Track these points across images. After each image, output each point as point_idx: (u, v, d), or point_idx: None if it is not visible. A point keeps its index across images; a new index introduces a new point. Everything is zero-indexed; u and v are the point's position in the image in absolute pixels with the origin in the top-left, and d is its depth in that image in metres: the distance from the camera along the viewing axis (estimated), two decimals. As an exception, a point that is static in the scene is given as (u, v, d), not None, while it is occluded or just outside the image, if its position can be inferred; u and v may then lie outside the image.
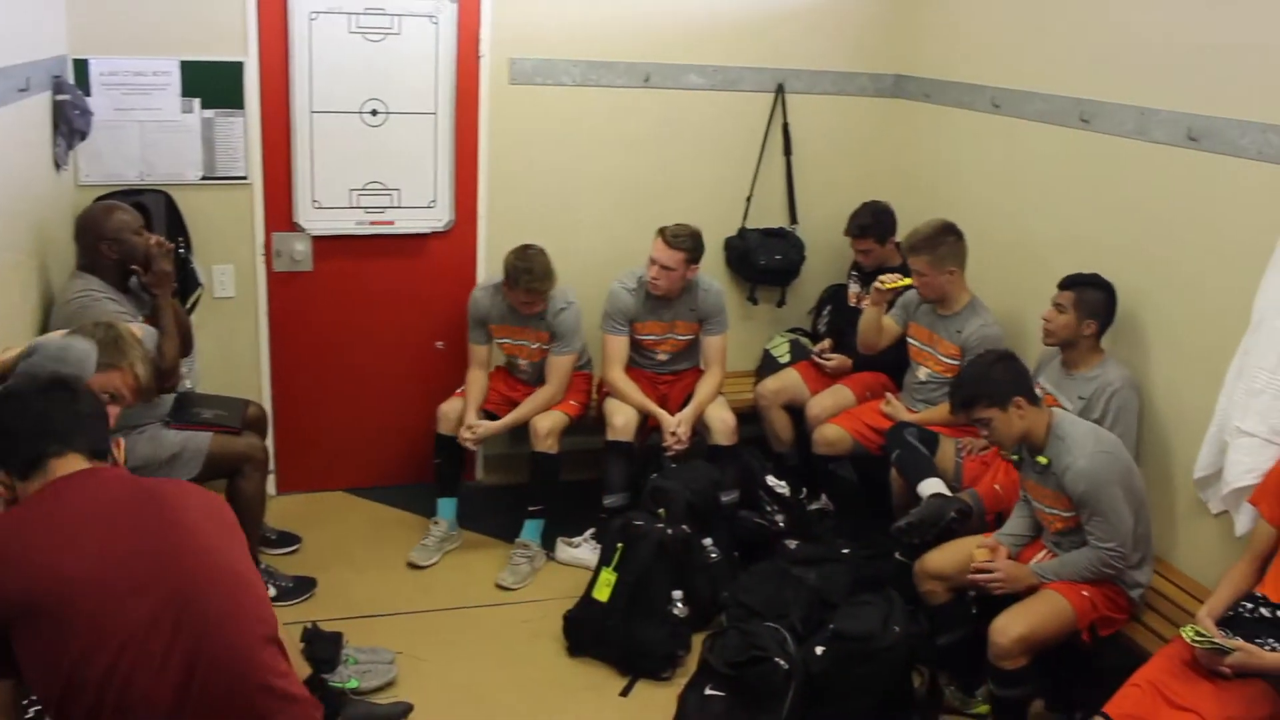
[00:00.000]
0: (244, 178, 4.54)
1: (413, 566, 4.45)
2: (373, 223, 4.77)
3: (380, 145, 4.68)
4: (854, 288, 5.02)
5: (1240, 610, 3.08)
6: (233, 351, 4.69)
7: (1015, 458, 3.56)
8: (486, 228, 4.93)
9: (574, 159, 4.99)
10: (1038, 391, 3.59)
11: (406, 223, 4.81)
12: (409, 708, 3.51)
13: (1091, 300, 3.80)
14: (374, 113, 4.64)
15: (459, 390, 4.65)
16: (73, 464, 2.12)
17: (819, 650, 3.54)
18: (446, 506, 4.64)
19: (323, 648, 3.58)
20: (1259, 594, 3.08)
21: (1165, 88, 3.76)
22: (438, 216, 4.84)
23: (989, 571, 3.47)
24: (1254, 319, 3.32)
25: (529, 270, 4.35)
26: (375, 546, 4.58)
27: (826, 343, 4.99)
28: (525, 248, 4.41)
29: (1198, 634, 2.94)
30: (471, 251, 4.95)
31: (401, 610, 4.17)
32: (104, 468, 2.15)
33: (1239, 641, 2.91)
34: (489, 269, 4.86)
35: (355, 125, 4.63)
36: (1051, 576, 3.42)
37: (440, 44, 4.63)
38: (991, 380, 3.42)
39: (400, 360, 5.00)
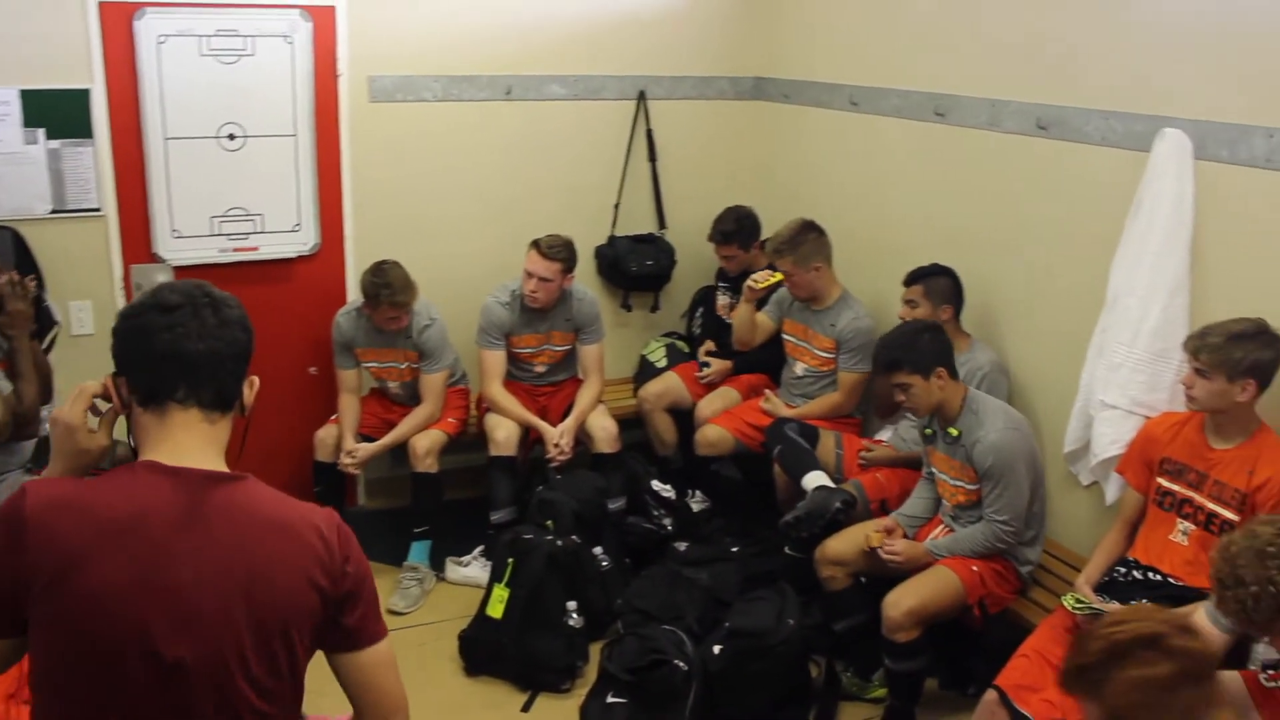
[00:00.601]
0: (97, 210, 4.37)
1: (299, 598, 4.34)
2: (236, 249, 4.64)
3: (240, 170, 4.56)
4: (723, 299, 5.04)
5: (1115, 575, 3.22)
6: (95, 390, 4.50)
7: (929, 430, 3.65)
8: (354, 248, 4.84)
9: (439, 175, 4.94)
10: None
11: (271, 248, 4.70)
12: (306, 741, 3.42)
13: (939, 288, 3.93)
14: (231, 137, 4.52)
15: (334, 417, 4.57)
16: (188, 428, 1.86)
17: (716, 649, 3.58)
18: (330, 534, 4.53)
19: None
20: (1130, 558, 3.22)
21: (1015, 80, 3.90)
22: (303, 240, 4.74)
23: (893, 552, 3.55)
24: (1109, 297, 3.46)
25: (387, 285, 4.28)
26: (258, 580, 4.45)
27: (709, 344, 5.02)
28: (380, 264, 4.35)
29: (1078, 601, 3.08)
30: (340, 273, 4.86)
31: (290, 643, 4.06)
32: (204, 478, 1.86)
33: (1115, 605, 3.04)
34: (359, 290, 4.78)
35: (212, 150, 4.50)
36: (945, 553, 3.52)
37: (296, 64, 4.53)
38: (918, 349, 3.49)
39: (273, 388, 4.75)
